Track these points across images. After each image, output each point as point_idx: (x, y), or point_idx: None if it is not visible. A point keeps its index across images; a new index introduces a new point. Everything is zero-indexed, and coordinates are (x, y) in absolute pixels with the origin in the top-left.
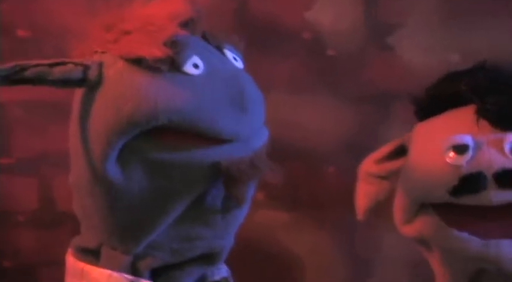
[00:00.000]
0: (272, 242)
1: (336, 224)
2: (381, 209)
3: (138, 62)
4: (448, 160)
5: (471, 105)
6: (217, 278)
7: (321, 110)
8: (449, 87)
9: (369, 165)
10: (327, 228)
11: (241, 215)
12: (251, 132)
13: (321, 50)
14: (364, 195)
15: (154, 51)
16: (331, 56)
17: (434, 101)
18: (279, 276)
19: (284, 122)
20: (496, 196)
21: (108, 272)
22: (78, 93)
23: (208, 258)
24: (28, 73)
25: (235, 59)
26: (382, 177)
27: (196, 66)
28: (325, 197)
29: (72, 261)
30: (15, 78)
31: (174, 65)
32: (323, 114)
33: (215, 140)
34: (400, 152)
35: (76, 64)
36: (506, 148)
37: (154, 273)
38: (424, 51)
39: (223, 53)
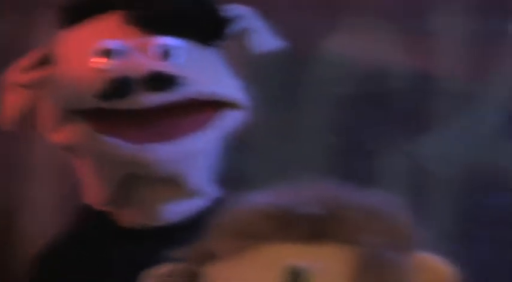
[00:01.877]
0: None
1: None
2: (28, 118)
3: None
4: (93, 65)
5: (119, 12)
6: None
7: None
8: None
9: (13, 74)
10: None
11: None
12: None
13: None
14: (9, 105)
15: None
16: None
17: (80, 8)
18: None
19: None
20: (146, 99)
21: None
22: None
23: None
24: None
25: None
26: (27, 86)
27: None
28: None
29: None
30: None
31: None
32: None
33: None
34: (46, 60)
35: None
36: (152, 51)
37: None
38: None
39: None
